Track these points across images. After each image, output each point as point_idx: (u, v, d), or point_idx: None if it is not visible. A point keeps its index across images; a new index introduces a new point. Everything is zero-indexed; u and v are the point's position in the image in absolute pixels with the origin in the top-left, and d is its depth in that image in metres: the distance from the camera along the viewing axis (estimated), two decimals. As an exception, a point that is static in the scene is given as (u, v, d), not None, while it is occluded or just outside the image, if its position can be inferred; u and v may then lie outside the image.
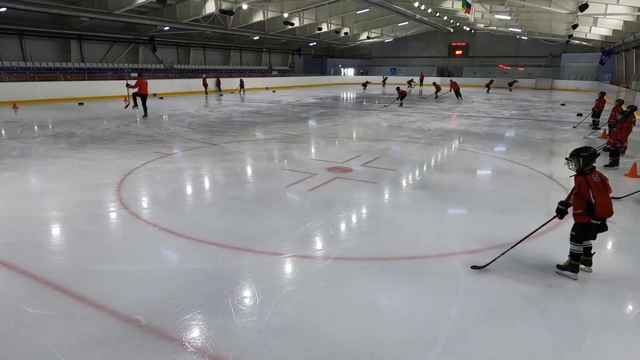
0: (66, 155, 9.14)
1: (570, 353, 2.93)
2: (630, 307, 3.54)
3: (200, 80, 28.35)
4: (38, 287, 3.71)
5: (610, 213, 3.69)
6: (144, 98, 15.30)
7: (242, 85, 31.34)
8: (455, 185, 7.11)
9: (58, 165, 8.25)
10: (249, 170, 8.26)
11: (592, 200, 3.68)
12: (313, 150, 10.37)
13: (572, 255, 3.96)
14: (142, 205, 5.98)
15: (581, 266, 3.99)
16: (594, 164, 3.93)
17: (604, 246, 4.84)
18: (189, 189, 6.97)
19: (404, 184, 7.31)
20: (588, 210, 3.75)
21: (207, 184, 7.33)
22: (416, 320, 3.28)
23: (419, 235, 4.97)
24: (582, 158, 3.90)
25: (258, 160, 8.98)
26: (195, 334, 3.07)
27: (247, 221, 5.33)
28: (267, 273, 3.97)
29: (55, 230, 5.17)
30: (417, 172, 8.11)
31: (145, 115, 15.33)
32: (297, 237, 4.83)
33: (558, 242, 4.80)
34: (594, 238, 3.92)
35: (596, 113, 13.84)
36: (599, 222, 3.72)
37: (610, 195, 3.88)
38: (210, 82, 29.20)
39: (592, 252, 4.04)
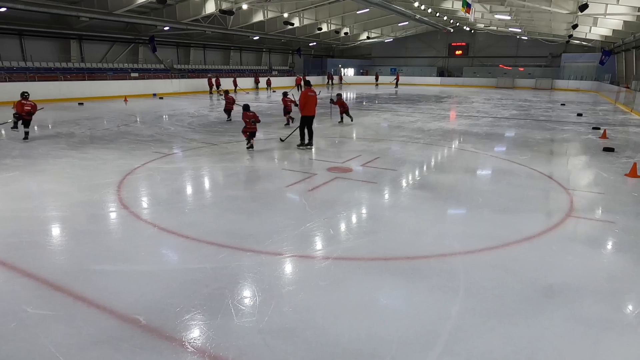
0: (66, 155, 9.14)
1: (570, 353, 2.93)
2: (630, 307, 3.54)
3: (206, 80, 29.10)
4: (38, 287, 3.71)
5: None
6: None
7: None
8: (455, 185, 7.11)
9: (58, 165, 8.25)
10: (249, 170, 8.26)
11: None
12: (313, 150, 10.36)
13: None
14: (142, 205, 5.98)
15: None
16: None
17: (604, 246, 4.85)
18: (189, 189, 6.97)
19: (404, 184, 7.31)
20: None
21: (207, 184, 7.33)
22: (416, 320, 3.28)
23: (419, 235, 4.97)
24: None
25: (258, 160, 8.98)
26: (195, 334, 3.07)
27: (247, 221, 5.33)
28: (267, 273, 3.97)
29: (55, 230, 5.17)
30: (417, 172, 8.11)
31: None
32: (297, 237, 4.83)
33: (558, 242, 4.81)
34: None
35: (285, 110, 14.16)
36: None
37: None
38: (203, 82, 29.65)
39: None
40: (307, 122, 9.97)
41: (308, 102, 9.82)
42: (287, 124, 13.79)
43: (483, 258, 4.38)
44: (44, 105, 13.77)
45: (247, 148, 9.88)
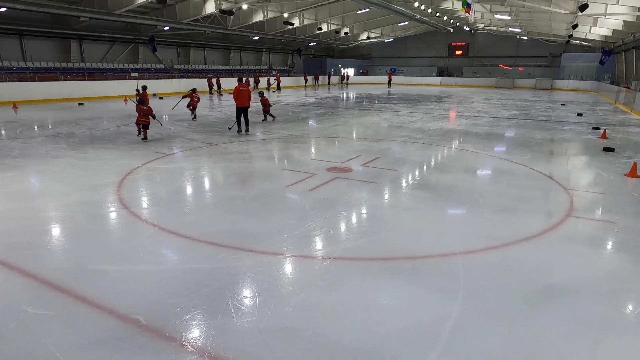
0: (66, 155, 9.14)
1: (570, 353, 2.93)
2: (630, 307, 3.54)
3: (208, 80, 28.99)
4: (38, 287, 3.71)
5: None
6: None
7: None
8: (455, 185, 7.11)
9: (58, 165, 8.25)
10: (249, 170, 8.26)
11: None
12: (313, 150, 10.36)
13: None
14: (142, 205, 5.98)
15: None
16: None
17: (604, 246, 4.85)
18: (189, 189, 6.97)
19: (404, 184, 7.31)
20: None
21: (207, 184, 7.33)
22: (416, 320, 3.28)
23: (419, 235, 4.97)
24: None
25: (258, 160, 8.98)
26: (195, 334, 3.07)
27: (247, 221, 5.33)
28: (267, 273, 3.97)
29: (55, 230, 5.17)
30: (417, 172, 8.11)
31: None
32: (297, 237, 4.83)
33: (558, 242, 4.81)
34: None
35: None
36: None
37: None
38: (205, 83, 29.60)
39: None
40: (241, 112, 12.01)
41: (240, 96, 11.85)
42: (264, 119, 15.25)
43: (483, 258, 4.38)
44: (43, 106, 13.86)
45: (142, 139, 10.72)
